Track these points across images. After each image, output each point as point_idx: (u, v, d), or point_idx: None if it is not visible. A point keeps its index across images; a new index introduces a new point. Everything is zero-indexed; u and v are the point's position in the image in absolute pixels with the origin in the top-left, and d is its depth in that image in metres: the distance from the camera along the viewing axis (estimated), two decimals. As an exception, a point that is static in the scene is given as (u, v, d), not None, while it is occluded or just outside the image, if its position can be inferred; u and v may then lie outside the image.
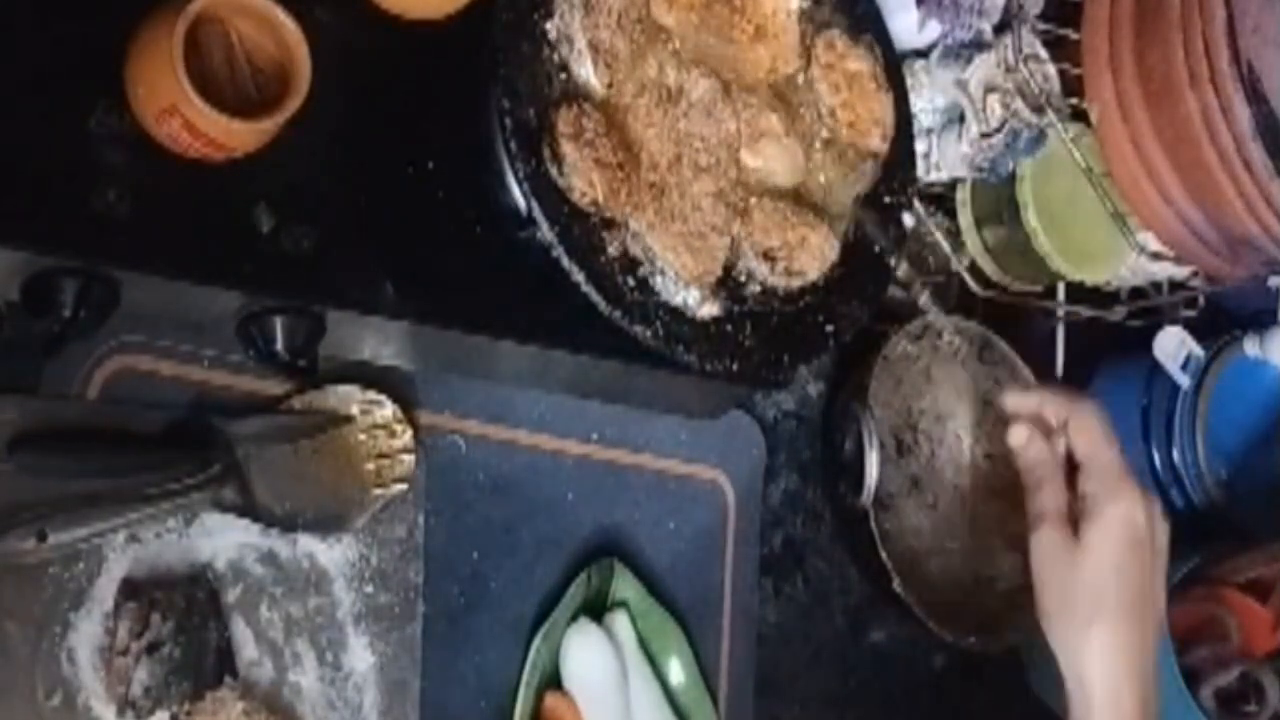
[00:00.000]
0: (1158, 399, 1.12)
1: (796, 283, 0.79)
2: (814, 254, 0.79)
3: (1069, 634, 0.77)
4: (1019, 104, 0.94)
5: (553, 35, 0.74)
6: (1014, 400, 0.81)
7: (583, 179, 0.71)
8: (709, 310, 0.76)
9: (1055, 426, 0.80)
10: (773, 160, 0.79)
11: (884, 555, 0.96)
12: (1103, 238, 1.01)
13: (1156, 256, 1.00)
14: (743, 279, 0.78)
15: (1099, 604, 0.77)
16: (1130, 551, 0.77)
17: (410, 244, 0.78)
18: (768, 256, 0.78)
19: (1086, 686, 0.77)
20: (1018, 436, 0.81)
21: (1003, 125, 0.95)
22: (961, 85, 0.95)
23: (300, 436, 0.79)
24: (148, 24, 0.67)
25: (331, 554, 0.81)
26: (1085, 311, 1.11)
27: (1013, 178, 1.00)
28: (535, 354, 0.83)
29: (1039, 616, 0.80)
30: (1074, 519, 0.78)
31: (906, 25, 0.94)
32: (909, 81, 0.94)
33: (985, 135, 0.95)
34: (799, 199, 0.81)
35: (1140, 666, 0.77)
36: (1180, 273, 1.09)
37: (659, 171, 0.75)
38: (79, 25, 0.68)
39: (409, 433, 0.83)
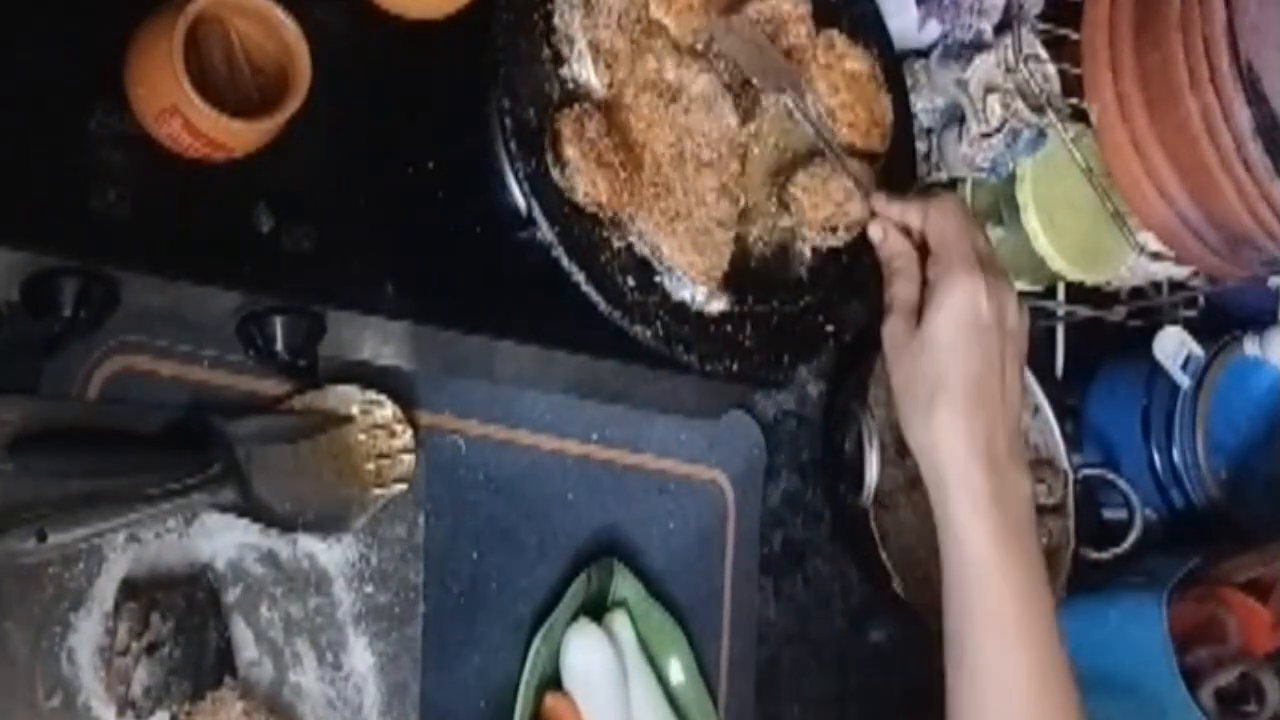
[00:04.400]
0: (1158, 399, 1.13)
1: (856, 232, 0.81)
2: (861, 197, 0.81)
3: (915, 419, 0.78)
4: (1019, 104, 0.94)
5: (553, 35, 0.74)
6: (880, 203, 0.81)
7: (586, 180, 0.71)
8: (717, 306, 0.76)
9: (919, 225, 0.80)
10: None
11: (884, 555, 0.96)
12: (1103, 238, 1.01)
13: (1156, 256, 1.00)
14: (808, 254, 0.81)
15: (937, 387, 0.76)
16: (970, 334, 0.76)
17: (410, 244, 0.78)
18: (828, 228, 0.79)
19: (938, 468, 0.77)
20: (875, 232, 0.80)
21: (1003, 125, 0.95)
22: (961, 85, 0.95)
23: (300, 436, 0.79)
24: (148, 24, 0.67)
25: (331, 554, 0.81)
26: (1085, 311, 1.12)
27: (1013, 178, 1.00)
28: (535, 354, 0.83)
29: (895, 404, 0.80)
30: (923, 306, 0.78)
31: (906, 25, 0.95)
32: (909, 81, 0.95)
33: (985, 135, 0.95)
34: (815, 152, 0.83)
35: (988, 449, 0.76)
36: (1180, 273, 1.09)
37: (662, 170, 0.75)
38: (79, 25, 0.68)
39: (409, 433, 0.83)
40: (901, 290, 0.79)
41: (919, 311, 0.78)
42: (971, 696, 0.79)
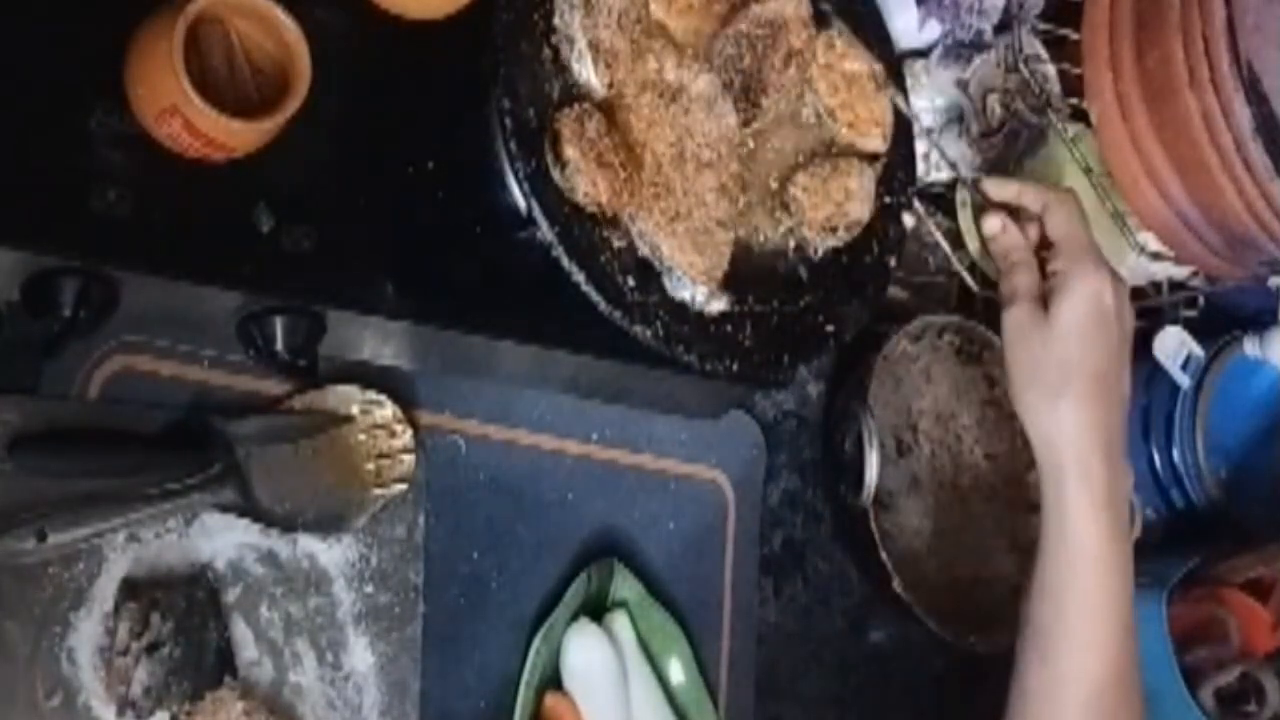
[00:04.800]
0: (1158, 399, 1.12)
1: (857, 231, 0.82)
2: (862, 198, 0.81)
3: (1039, 407, 0.78)
4: (1019, 104, 0.94)
5: (553, 35, 0.74)
6: (994, 187, 0.82)
7: (586, 180, 0.71)
8: (717, 306, 0.76)
9: (1034, 213, 0.81)
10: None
11: (884, 555, 0.96)
12: (1103, 238, 1.01)
13: (1156, 256, 1.00)
14: (813, 253, 0.81)
15: (1066, 376, 0.77)
16: (1097, 327, 0.78)
17: (410, 244, 0.78)
18: (828, 228, 0.79)
19: (1057, 456, 0.78)
20: (992, 224, 0.81)
21: (1003, 125, 0.95)
22: (961, 85, 0.95)
23: (300, 436, 0.79)
24: (148, 24, 0.67)
25: (331, 554, 0.81)
26: (1085, 311, 1.11)
27: (1013, 178, 1.00)
28: (535, 354, 0.83)
29: (1011, 395, 0.80)
30: (1046, 301, 0.79)
31: (906, 25, 0.95)
32: (909, 81, 0.95)
33: (985, 135, 0.95)
34: (824, 145, 0.83)
35: (1109, 440, 0.78)
36: (1180, 273, 1.09)
37: (662, 170, 0.75)
38: (79, 25, 0.68)
39: (409, 433, 0.83)
40: (1025, 280, 0.80)
41: (1043, 301, 0.78)
42: (1050, 686, 0.79)
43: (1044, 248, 0.82)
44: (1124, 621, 0.78)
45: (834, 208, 0.80)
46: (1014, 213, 0.82)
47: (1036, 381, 0.78)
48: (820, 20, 0.84)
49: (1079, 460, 0.77)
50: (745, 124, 0.80)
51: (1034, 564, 0.80)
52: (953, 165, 0.91)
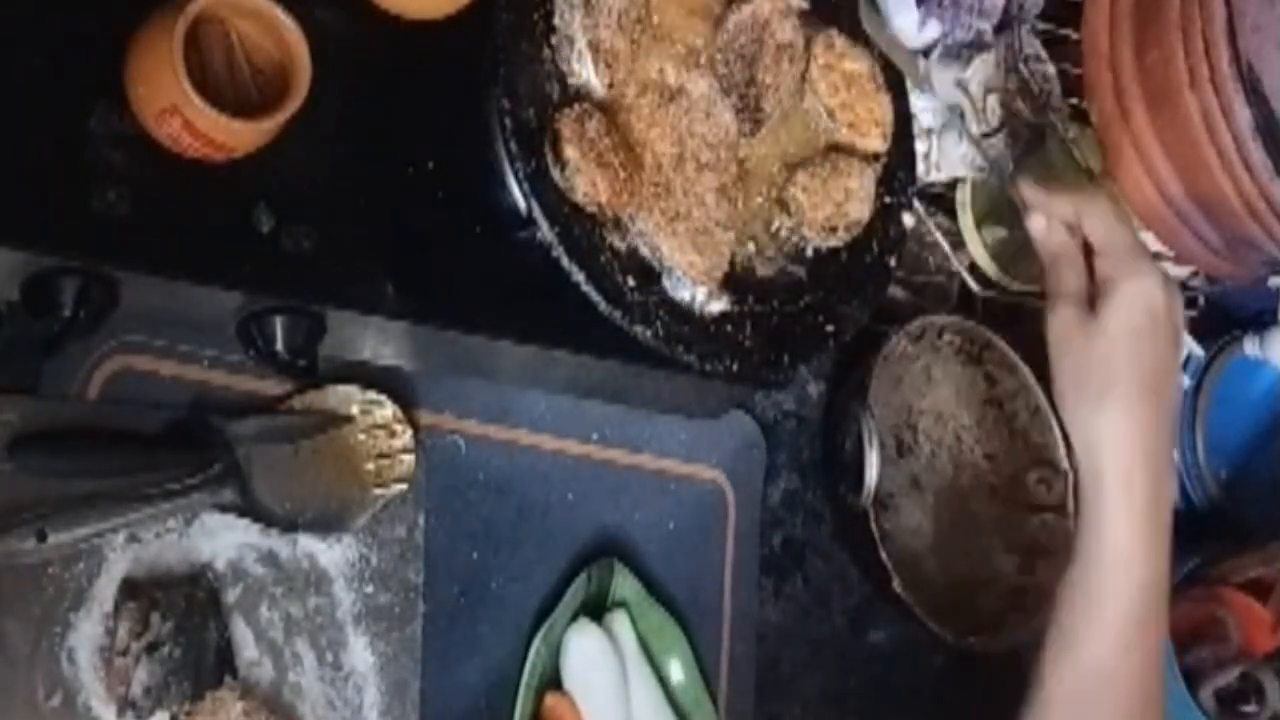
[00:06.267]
0: (1158, 399, 1.12)
1: (857, 232, 0.81)
2: (862, 199, 0.81)
3: (1082, 411, 0.76)
4: (1019, 104, 0.94)
5: (553, 35, 0.74)
6: (1029, 191, 0.80)
7: (586, 180, 0.71)
8: (717, 306, 0.76)
9: (1072, 221, 0.78)
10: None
11: (884, 555, 0.96)
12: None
13: (1156, 256, 1.00)
14: (809, 253, 0.81)
15: (1113, 379, 0.75)
16: (1148, 328, 0.75)
17: (410, 244, 0.78)
18: (827, 228, 0.79)
19: (1098, 466, 0.76)
20: (1038, 224, 0.79)
21: (1003, 125, 0.95)
22: (961, 85, 0.95)
23: (300, 436, 0.79)
24: (148, 24, 0.67)
25: (331, 554, 0.81)
26: (1085, 311, 1.11)
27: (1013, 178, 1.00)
28: (535, 354, 0.83)
29: (1055, 397, 0.78)
30: (1093, 302, 0.77)
31: (906, 25, 0.94)
32: (909, 81, 0.94)
33: (985, 135, 0.95)
34: (826, 145, 0.83)
35: (1154, 447, 0.75)
36: (1180, 273, 1.09)
37: (662, 170, 0.75)
38: (79, 25, 0.68)
39: (409, 433, 0.83)
40: (1071, 281, 0.77)
41: (1090, 302, 0.76)
42: (1079, 690, 0.77)
43: (1088, 253, 0.79)
44: (1158, 631, 0.76)
45: (834, 208, 0.80)
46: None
47: (1079, 386, 0.76)
48: (820, 19, 0.84)
49: (1120, 469, 0.75)
50: (751, 133, 0.80)
51: (1068, 568, 0.78)
52: (992, 165, 0.89)
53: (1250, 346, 1.11)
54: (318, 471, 0.80)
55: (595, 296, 0.71)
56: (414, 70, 0.77)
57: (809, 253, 0.82)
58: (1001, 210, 1.04)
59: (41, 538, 0.71)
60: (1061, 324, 0.77)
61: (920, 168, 0.97)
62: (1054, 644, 0.78)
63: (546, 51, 0.74)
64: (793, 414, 1.04)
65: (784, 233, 0.81)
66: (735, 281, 0.78)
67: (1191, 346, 1.08)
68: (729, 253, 0.77)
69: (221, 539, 0.78)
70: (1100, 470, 0.76)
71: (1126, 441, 0.75)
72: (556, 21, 0.74)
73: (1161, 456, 0.76)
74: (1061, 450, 1.07)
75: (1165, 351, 0.77)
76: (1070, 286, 0.77)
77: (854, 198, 0.81)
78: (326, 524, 0.80)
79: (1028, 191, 0.80)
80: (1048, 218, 0.79)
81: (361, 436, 0.81)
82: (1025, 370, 1.06)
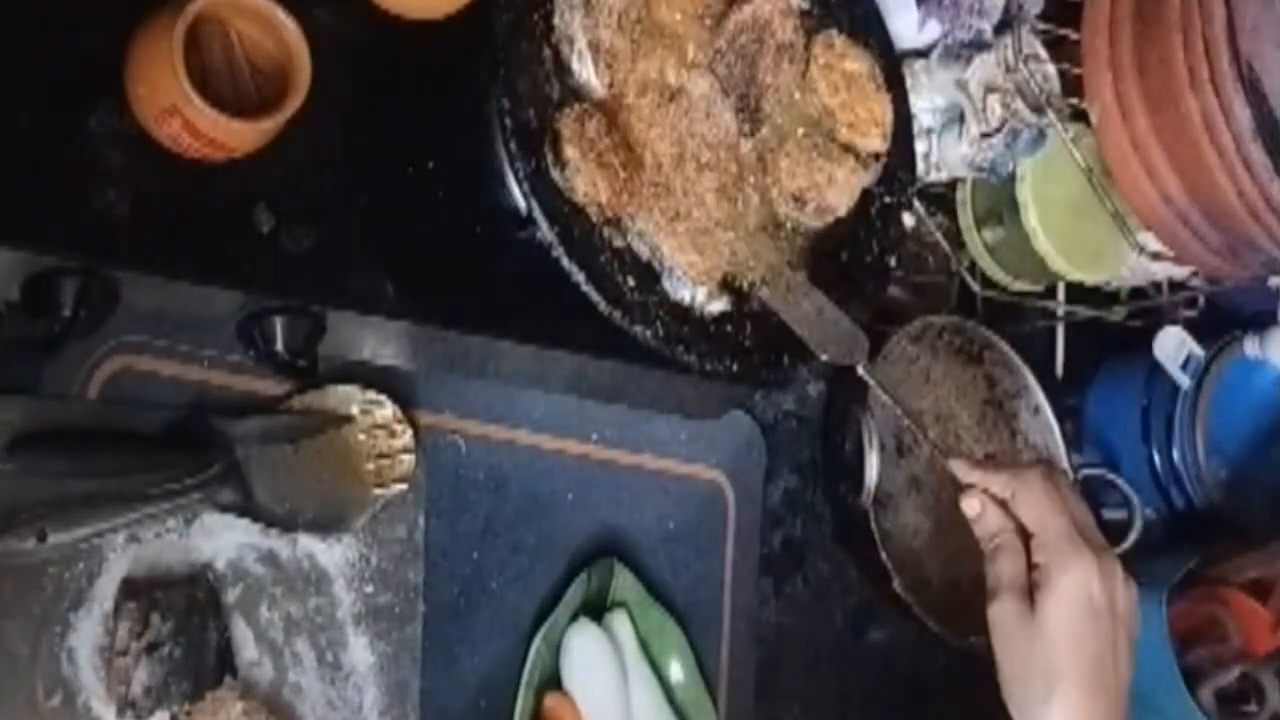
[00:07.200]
0: (1158, 399, 1.12)
1: (829, 219, 0.80)
2: (842, 189, 0.80)
3: (1029, 709, 0.76)
4: (1019, 104, 0.94)
5: (553, 35, 0.74)
6: (961, 470, 0.79)
7: (586, 180, 0.71)
8: (716, 306, 0.76)
9: (1005, 497, 0.78)
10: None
11: (884, 555, 0.96)
12: (1103, 238, 1.01)
13: (1156, 256, 1.00)
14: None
15: (1056, 677, 0.75)
16: (1087, 622, 0.75)
17: (410, 244, 0.78)
18: (797, 199, 0.79)
19: None
20: (971, 506, 0.78)
21: (1003, 125, 0.95)
22: (961, 85, 0.95)
23: (300, 436, 0.79)
24: (148, 24, 0.67)
25: (331, 554, 0.81)
26: (1085, 311, 1.11)
27: (1013, 178, 1.00)
28: (535, 354, 0.83)
29: (1002, 692, 0.78)
30: (1032, 593, 0.76)
31: (906, 25, 0.94)
32: (909, 81, 0.94)
33: (985, 135, 0.95)
34: (826, 135, 0.82)
35: None
36: (1180, 273, 1.09)
37: (662, 170, 0.75)
38: (79, 25, 0.68)
39: (409, 433, 0.83)
40: (1008, 569, 0.77)
41: (1029, 592, 0.76)
42: None
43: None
44: None
45: (810, 183, 0.80)
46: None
47: (1024, 684, 0.76)
48: (820, 19, 0.84)
49: None
50: (751, 134, 0.80)
51: None
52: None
53: (1250, 346, 1.11)
54: (318, 472, 0.80)
55: (595, 296, 0.71)
56: (414, 70, 0.77)
57: (809, 254, 0.82)
58: (1001, 210, 1.05)
59: (41, 538, 0.71)
60: (1001, 618, 0.76)
61: (920, 168, 0.97)
62: None
63: (546, 51, 0.74)
64: (793, 414, 1.04)
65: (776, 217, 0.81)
66: (735, 281, 0.78)
67: (1191, 346, 1.08)
68: (729, 253, 0.77)
69: (221, 539, 0.78)
70: None
71: None
72: (556, 21, 0.74)
73: None
74: (1062, 450, 1.07)
75: (1106, 640, 0.76)
76: (1007, 577, 0.77)
77: (835, 185, 0.80)
78: (326, 524, 0.80)
79: (960, 470, 0.79)
80: (980, 499, 0.78)
81: (361, 436, 0.81)
82: (1025, 370, 1.06)
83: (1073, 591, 0.75)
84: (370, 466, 0.81)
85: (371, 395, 0.82)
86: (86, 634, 0.74)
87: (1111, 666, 0.76)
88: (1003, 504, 0.78)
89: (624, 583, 0.91)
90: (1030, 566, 0.77)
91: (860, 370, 0.78)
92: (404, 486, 0.82)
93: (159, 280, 0.70)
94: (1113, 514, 1.11)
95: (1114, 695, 0.76)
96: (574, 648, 0.87)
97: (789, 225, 0.81)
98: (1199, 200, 0.93)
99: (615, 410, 0.93)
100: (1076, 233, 1.01)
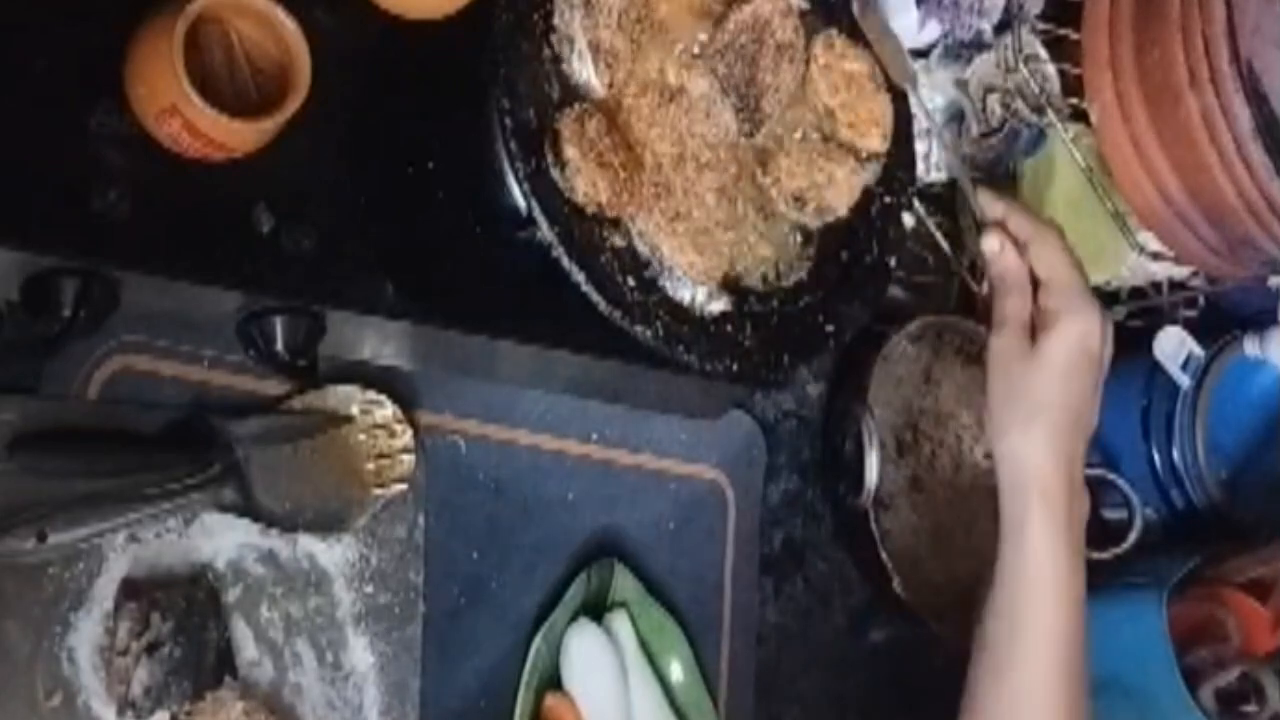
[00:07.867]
0: (1158, 399, 1.12)
1: (829, 219, 0.81)
2: (842, 189, 0.81)
3: (1010, 428, 0.80)
4: (1019, 104, 0.94)
5: (553, 35, 0.74)
6: (986, 200, 0.83)
7: (586, 180, 0.71)
8: (717, 306, 0.76)
9: (1021, 242, 0.82)
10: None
11: (884, 555, 0.96)
12: (1103, 238, 1.01)
13: (1156, 256, 1.00)
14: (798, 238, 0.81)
15: (1043, 406, 0.79)
16: (1083, 365, 0.80)
17: (410, 244, 0.78)
18: (797, 199, 0.79)
19: (1023, 477, 0.80)
20: (991, 243, 0.82)
21: (1003, 125, 0.95)
22: (961, 85, 0.95)
23: (300, 436, 0.79)
24: (148, 24, 0.67)
25: (331, 554, 0.81)
26: (1085, 311, 1.11)
27: (1013, 178, 1.00)
28: (535, 354, 0.83)
29: (985, 412, 0.82)
30: (1034, 331, 0.81)
31: (906, 25, 0.94)
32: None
33: (985, 135, 0.95)
34: (827, 135, 0.82)
35: (1071, 470, 0.80)
36: (1180, 273, 1.09)
37: (662, 170, 0.75)
38: (79, 25, 0.68)
39: (409, 433, 0.83)
40: (1016, 306, 0.81)
41: (1031, 330, 0.80)
42: (1003, 704, 0.81)
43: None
44: (1077, 641, 0.80)
45: (809, 183, 0.80)
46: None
47: (1010, 405, 0.80)
48: (820, 18, 0.84)
49: (1044, 484, 0.79)
50: (751, 134, 0.80)
51: (990, 585, 0.81)
52: (962, 162, 0.91)
53: (1250, 346, 1.11)
54: (318, 471, 0.80)
55: (595, 296, 0.71)
56: (414, 70, 0.77)
57: (799, 237, 0.82)
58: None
59: (41, 538, 0.71)
60: (1001, 349, 0.81)
61: (920, 168, 0.97)
62: (979, 660, 0.82)
63: (546, 51, 0.74)
64: (793, 414, 1.04)
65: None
66: (735, 281, 0.78)
67: (1191, 346, 1.08)
68: (729, 253, 0.77)
69: (221, 539, 0.78)
70: (1025, 486, 0.80)
71: (1050, 463, 0.79)
72: (556, 21, 0.74)
73: (1078, 481, 0.81)
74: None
75: (1093, 390, 0.81)
76: (1015, 312, 0.81)
77: (835, 185, 0.81)
78: (326, 524, 0.80)
79: (987, 201, 0.82)
80: (1001, 239, 0.82)
81: (361, 436, 0.81)
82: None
83: (1076, 336, 0.79)
84: (370, 466, 0.81)
85: (371, 395, 0.82)
86: (86, 634, 0.74)
87: (1090, 413, 0.82)
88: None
89: (624, 583, 0.91)
90: (1036, 310, 0.81)
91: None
92: (404, 486, 0.82)
93: (159, 280, 0.70)
94: (1113, 514, 1.11)
95: (1085, 439, 0.82)
96: (574, 648, 0.87)
97: (789, 225, 0.81)
98: (1199, 200, 0.93)
99: (615, 410, 0.93)
100: (1076, 232, 1.01)
